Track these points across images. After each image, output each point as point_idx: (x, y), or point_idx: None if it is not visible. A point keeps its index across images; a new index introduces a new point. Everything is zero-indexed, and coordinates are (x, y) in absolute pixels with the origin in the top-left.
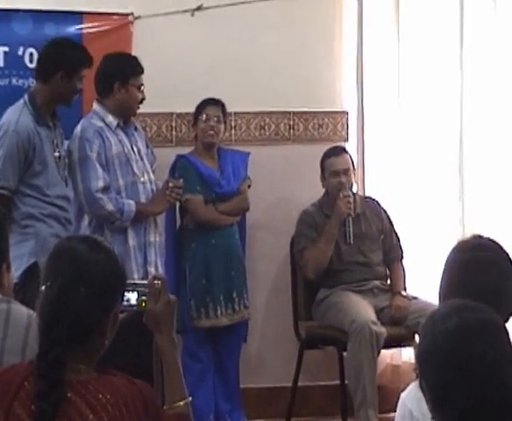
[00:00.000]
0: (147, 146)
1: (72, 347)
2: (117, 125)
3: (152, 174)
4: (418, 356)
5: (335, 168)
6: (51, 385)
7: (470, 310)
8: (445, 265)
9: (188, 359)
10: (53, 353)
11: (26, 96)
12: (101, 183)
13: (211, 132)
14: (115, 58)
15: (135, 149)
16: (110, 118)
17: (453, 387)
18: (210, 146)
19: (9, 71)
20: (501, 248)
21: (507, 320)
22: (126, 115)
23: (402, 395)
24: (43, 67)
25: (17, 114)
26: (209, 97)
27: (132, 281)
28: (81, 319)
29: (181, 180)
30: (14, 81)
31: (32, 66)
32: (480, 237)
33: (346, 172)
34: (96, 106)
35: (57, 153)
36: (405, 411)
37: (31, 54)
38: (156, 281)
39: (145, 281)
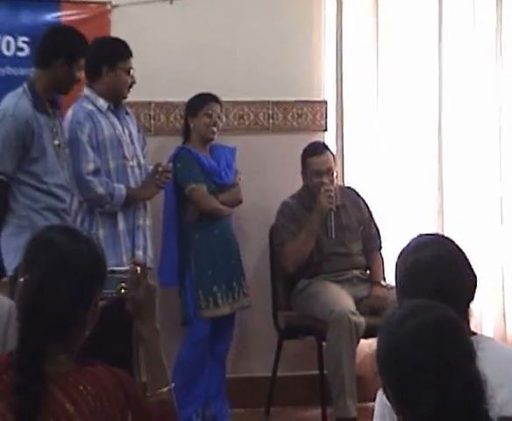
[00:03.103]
0: (139, 131)
1: (51, 339)
2: (108, 108)
3: (142, 159)
4: (378, 363)
5: (317, 168)
6: (30, 378)
7: (424, 309)
8: (397, 269)
9: (192, 349)
10: (32, 345)
11: (26, 84)
12: (91, 166)
13: (215, 129)
14: (103, 42)
15: (126, 132)
16: (101, 102)
17: (417, 389)
18: (209, 141)
19: None
20: (444, 239)
21: (468, 306)
22: (116, 98)
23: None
24: (43, 53)
25: (16, 100)
26: (208, 92)
27: (110, 268)
28: (60, 311)
29: (171, 164)
30: None
31: (9, 54)
32: (420, 236)
33: (328, 171)
34: (86, 90)
35: (57, 142)
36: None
37: (8, 42)
38: (136, 267)
39: (123, 268)
